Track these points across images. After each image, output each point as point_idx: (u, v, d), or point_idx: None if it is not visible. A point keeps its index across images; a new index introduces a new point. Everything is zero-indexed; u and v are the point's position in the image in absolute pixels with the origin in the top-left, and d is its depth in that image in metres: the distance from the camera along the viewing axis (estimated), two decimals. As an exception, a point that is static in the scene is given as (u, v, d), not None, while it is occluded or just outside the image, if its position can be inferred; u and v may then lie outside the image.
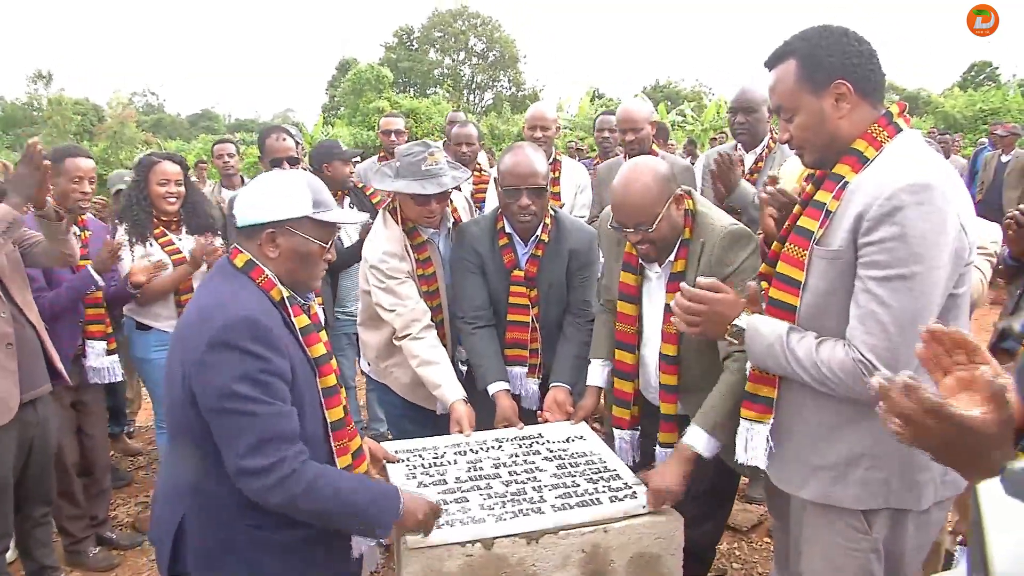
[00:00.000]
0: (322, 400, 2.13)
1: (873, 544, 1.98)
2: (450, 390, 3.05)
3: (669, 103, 30.83)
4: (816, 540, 2.09)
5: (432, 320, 3.22)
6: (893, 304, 1.78)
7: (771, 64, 2.01)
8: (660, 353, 2.72)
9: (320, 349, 2.14)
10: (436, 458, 2.74)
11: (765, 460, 2.13)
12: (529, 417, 3.18)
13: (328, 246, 2.14)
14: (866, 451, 1.94)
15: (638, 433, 2.94)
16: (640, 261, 2.75)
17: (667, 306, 2.60)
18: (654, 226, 2.52)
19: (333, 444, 2.15)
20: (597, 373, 3.07)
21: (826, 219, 1.92)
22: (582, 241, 3.25)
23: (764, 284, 2.16)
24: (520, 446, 2.85)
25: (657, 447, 2.82)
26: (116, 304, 4.04)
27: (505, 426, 3.02)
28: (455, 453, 2.79)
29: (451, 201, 3.37)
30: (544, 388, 3.27)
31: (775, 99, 2.01)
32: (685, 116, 27.02)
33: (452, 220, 3.43)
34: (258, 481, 1.91)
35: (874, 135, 1.90)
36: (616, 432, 2.95)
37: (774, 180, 2.56)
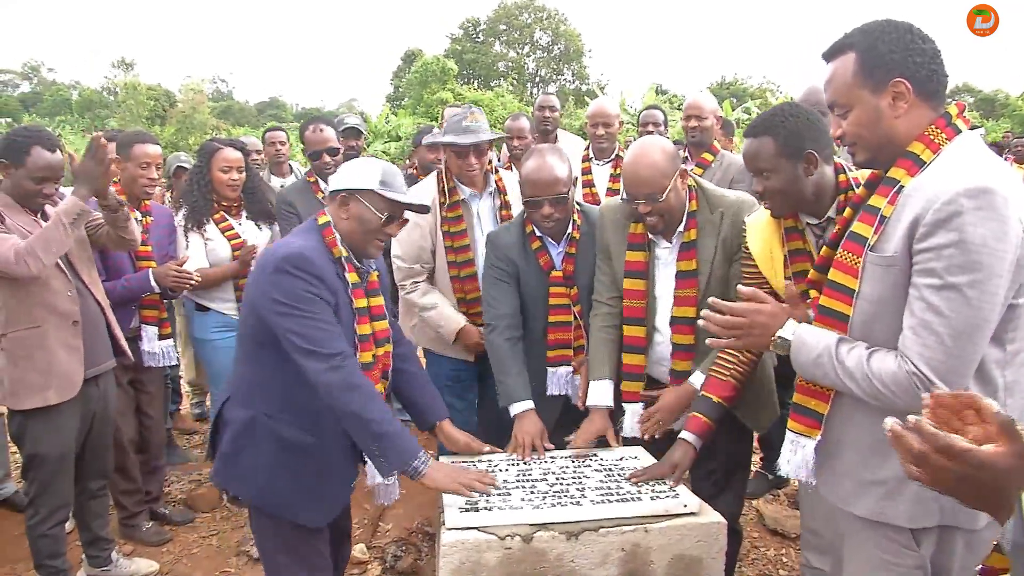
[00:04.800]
0: (357, 343, 2.55)
1: (919, 561, 1.91)
2: (451, 321, 3.55)
3: (735, 100, 30.35)
4: (860, 553, 2.01)
5: (465, 273, 3.60)
6: (949, 314, 1.70)
7: (829, 56, 1.93)
8: (672, 316, 2.86)
9: (362, 303, 2.58)
10: (489, 468, 2.71)
11: (808, 474, 2.08)
12: (581, 415, 3.17)
13: (385, 220, 2.52)
14: None
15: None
16: (648, 237, 2.90)
17: (679, 273, 2.84)
18: (664, 196, 2.69)
19: None
20: (605, 392, 2.96)
21: (880, 224, 1.84)
22: None
23: (814, 293, 2.09)
24: (573, 460, 2.81)
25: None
26: (165, 295, 4.04)
27: (532, 450, 2.88)
28: (508, 464, 2.78)
29: (496, 171, 3.76)
30: None
31: (830, 94, 1.93)
32: (751, 114, 26.56)
33: (495, 187, 3.73)
34: (322, 361, 2.35)
35: (932, 137, 1.82)
36: (628, 406, 2.95)
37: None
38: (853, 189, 2.32)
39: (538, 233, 3.16)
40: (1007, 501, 1.17)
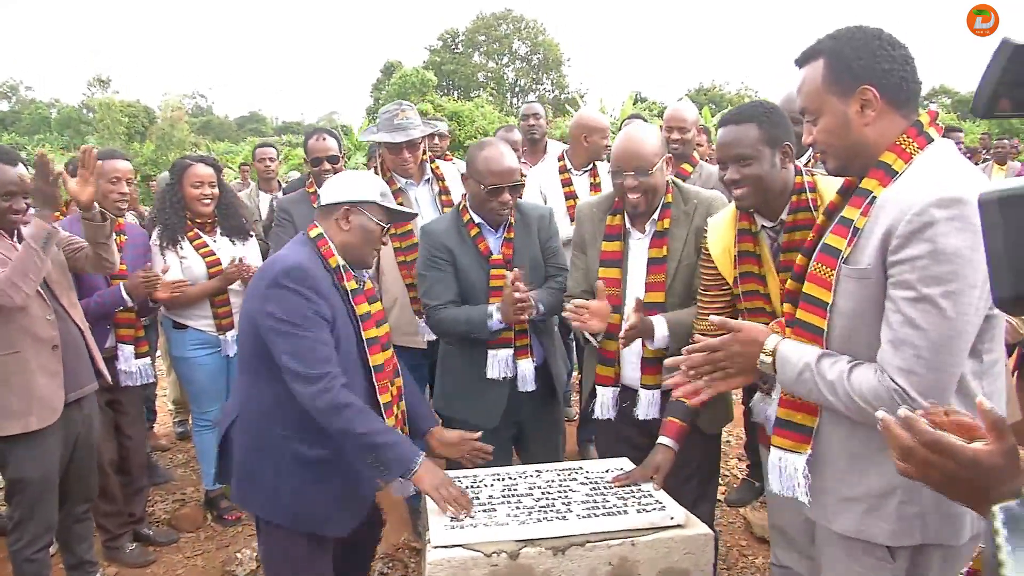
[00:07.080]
0: (366, 348, 2.63)
1: (896, 574, 1.89)
2: None
3: (713, 106, 30.50)
4: (833, 566, 2.00)
5: (411, 259, 3.69)
6: (926, 327, 1.67)
7: (801, 62, 1.93)
8: (645, 302, 2.91)
9: (364, 308, 2.66)
10: (474, 483, 2.70)
11: (804, 493, 2.01)
12: (525, 400, 3.28)
13: (386, 230, 2.70)
14: (899, 484, 1.81)
15: (618, 390, 3.08)
16: (625, 227, 3.03)
17: (650, 260, 2.96)
18: (652, 172, 2.84)
19: (376, 383, 2.66)
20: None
21: (854, 236, 1.82)
22: (541, 212, 3.49)
23: (787, 307, 2.09)
24: (559, 474, 2.79)
25: (640, 389, 3.01)
26: (142, 312, 4.06)
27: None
28: (493, 479, 2.75)
29: (432, 160, 4.05)
30: (543, 371, 3.35)
31: (801, 100, 1.93)
32: (729, 120, 26.67)
33: (432, 175, 4.00)
34: (308, 386, 2.38)
35: (903, 147, 1.80)
36: (600, 389, 3.08)
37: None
38: (806, 191, 2.37)
39: (476, 221, 3.26)
40: (993, 499, 1.16)
